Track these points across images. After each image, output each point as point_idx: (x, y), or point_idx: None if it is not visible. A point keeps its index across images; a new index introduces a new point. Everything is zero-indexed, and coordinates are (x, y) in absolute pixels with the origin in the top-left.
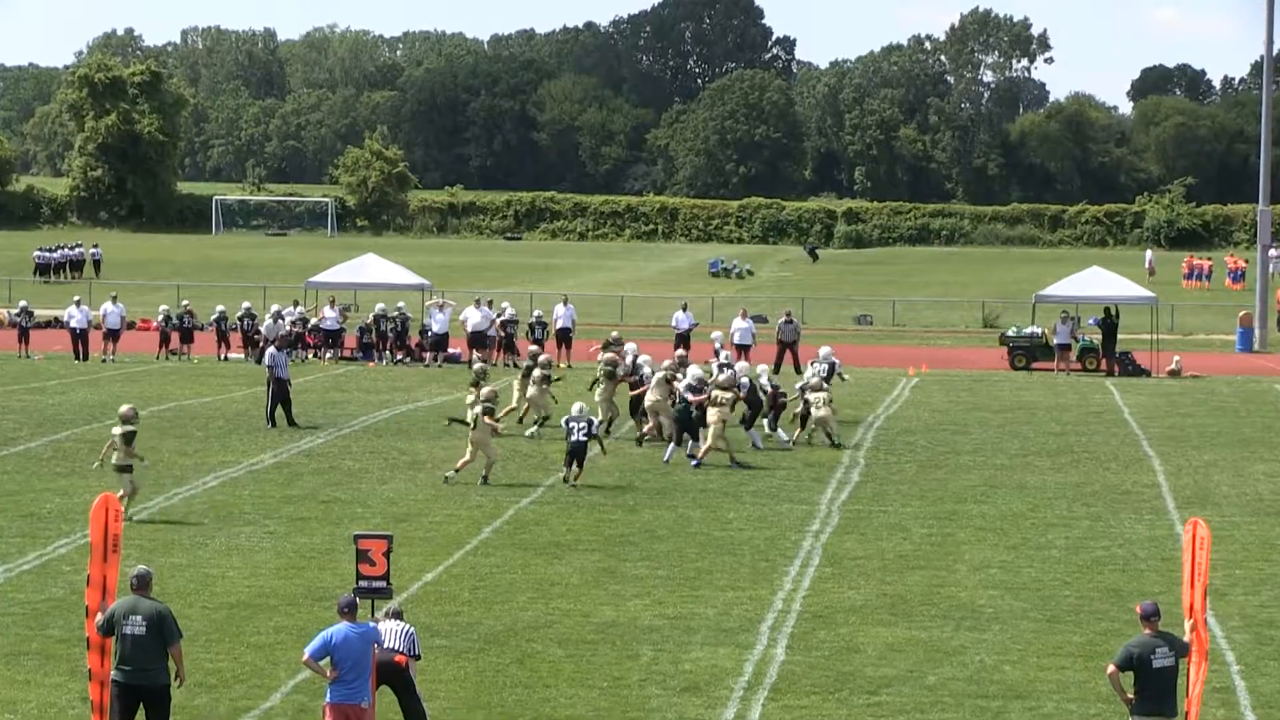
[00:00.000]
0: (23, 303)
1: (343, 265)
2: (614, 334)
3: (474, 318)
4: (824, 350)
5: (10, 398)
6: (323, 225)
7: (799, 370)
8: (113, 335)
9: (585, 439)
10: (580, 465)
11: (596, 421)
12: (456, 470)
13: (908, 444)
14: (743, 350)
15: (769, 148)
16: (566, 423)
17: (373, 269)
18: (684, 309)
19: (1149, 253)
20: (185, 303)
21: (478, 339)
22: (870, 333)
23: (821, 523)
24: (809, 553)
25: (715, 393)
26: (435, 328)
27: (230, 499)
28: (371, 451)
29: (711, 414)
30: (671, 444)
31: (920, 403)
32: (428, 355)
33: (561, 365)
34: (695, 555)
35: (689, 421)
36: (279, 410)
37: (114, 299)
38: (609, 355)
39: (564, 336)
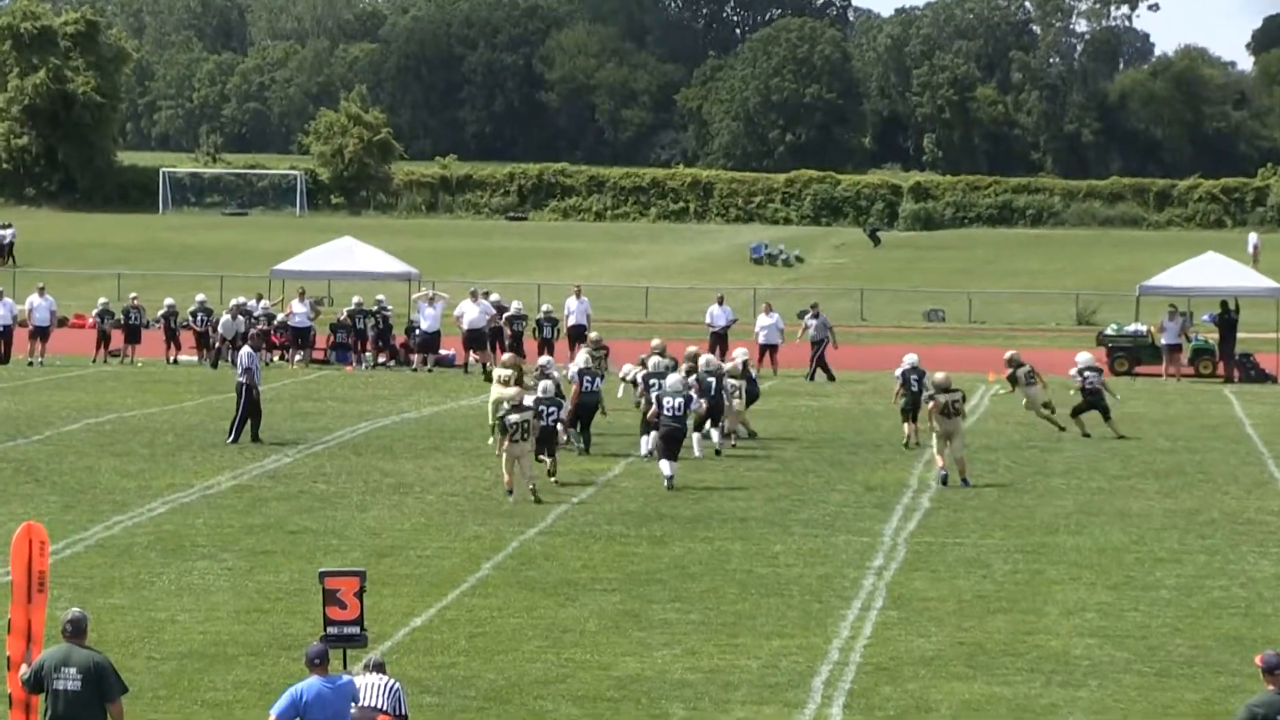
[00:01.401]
0: None
1: (314, 250)
2: (593, 334)
3: (470, 313)
4: (1083, 357)
5: None
6: (291, 203)
7: (831, 377)
8: (41, 333)
9: (555, 422)
10: (552, 453)
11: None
12: (511, 492)
13: (988, 463)
14: (769, 351)
15: (821, 110)
16: (536, 404)
17: (350, 255)
18: (720, 303)
19: (1253, 235)
20: (133, 295)
21: (475, 338)
22: (942, 331)
23: (885, 557)
24: (871, 593)
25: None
26: (424, 325)
27: (181, 529)
28: (349, 472)
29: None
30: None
31: (1002, 414)
32: (415, 357)
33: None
34: (735, 596)
35: (677, 438)
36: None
37: (41, 290)
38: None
39: (577, 335)
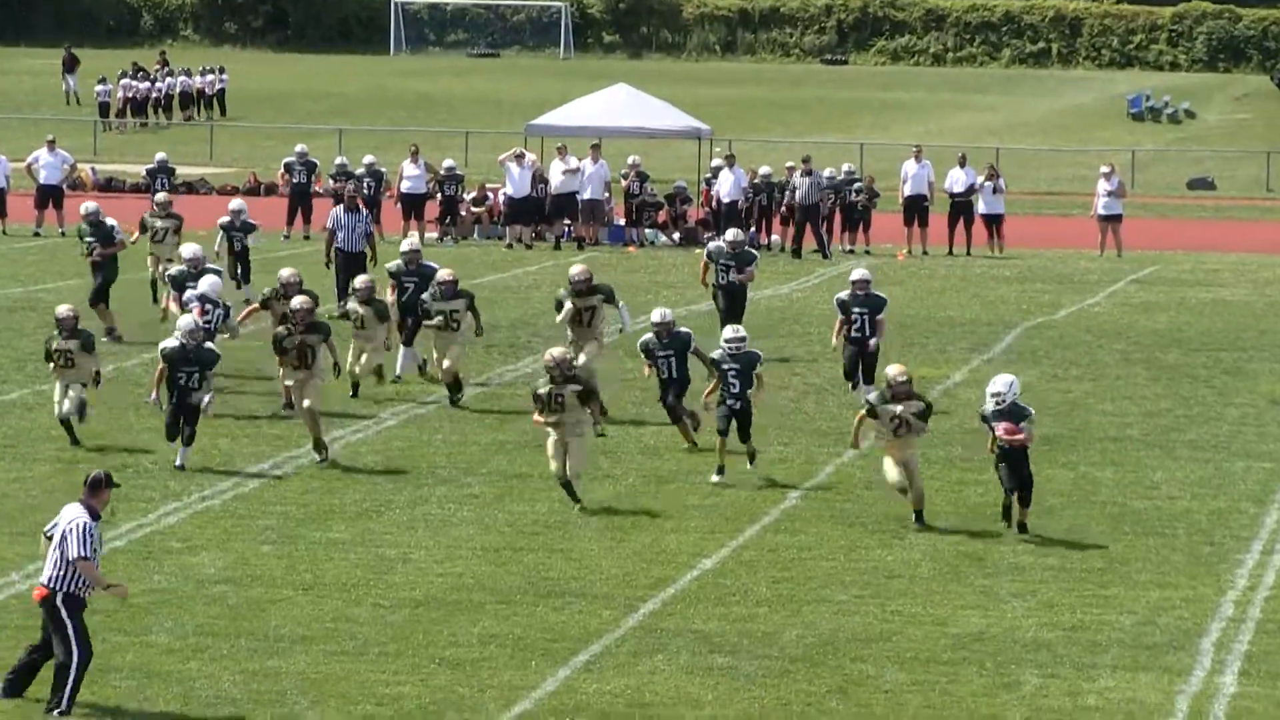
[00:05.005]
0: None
1: (581, 101)
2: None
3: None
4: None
5: None
6: (553, 42)
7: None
8: (51, 196)
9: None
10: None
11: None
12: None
13: None
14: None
15: None
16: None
17: (626, 107)
18: (1107, 175)
19: None
20: (370, 159)
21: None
22: None
23: None
24: (1274, 533)
25: None
26: (510, 189)
27: (416, 446)
28: (624, 378)
29: None
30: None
31: None
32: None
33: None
34: (1103, 535)
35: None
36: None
37: (51, 144)
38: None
39: (916, 208)
